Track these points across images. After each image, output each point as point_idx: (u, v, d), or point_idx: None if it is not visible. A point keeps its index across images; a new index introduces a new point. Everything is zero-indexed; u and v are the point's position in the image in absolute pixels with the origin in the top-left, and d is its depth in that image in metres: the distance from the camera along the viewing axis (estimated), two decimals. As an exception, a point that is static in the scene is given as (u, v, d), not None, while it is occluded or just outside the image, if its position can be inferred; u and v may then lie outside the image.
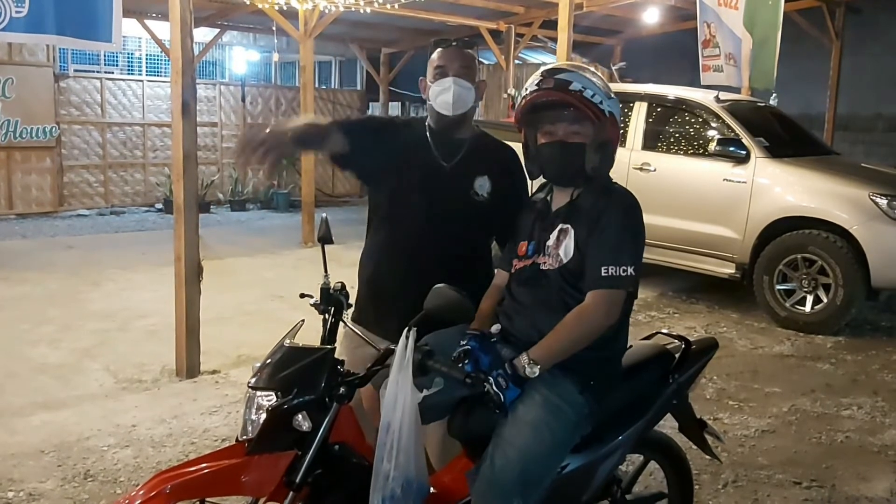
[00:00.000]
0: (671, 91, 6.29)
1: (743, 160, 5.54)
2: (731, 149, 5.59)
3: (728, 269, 5.66)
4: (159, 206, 10.36)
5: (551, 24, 8.04)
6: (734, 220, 5.56)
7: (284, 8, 7.43)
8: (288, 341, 1.85)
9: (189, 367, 4.06)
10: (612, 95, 1.93)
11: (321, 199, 8.44)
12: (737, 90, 7.07)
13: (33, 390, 3.87)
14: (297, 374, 1.75)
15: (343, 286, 2.02)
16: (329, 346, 1.84)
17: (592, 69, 2.00)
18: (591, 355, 1.87)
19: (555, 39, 6.17)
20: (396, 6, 7.63)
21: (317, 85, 13.03)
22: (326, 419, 1.75)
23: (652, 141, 6.10)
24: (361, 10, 7.67)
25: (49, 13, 3.58)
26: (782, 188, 5.45)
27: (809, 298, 5.30)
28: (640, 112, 6.16)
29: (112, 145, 10.30)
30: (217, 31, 10.49)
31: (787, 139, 6.12)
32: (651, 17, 9.26)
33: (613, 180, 2.00)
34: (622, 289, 1.85)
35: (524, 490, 1.80)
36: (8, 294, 5.70)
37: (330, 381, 1.76)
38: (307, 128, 2.15)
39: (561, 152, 1.92)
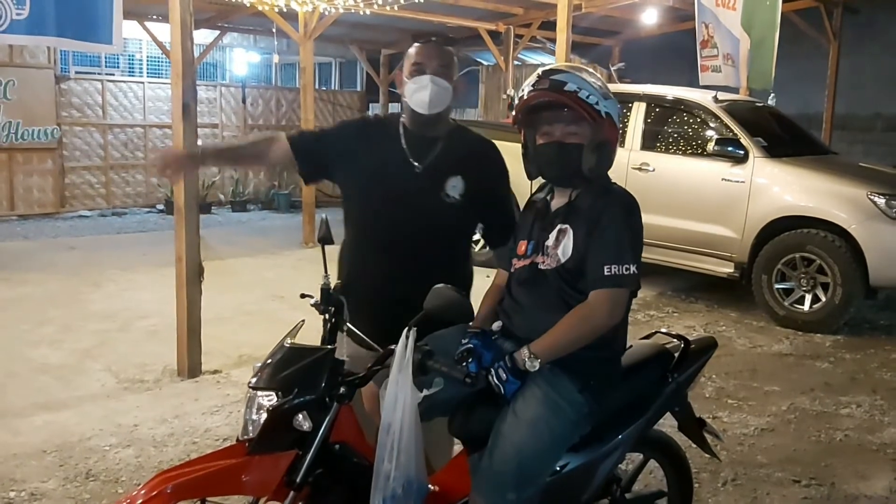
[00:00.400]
0: (670, 91, 6.30)
1: (741, 160, 5.55)
2: (730, 149, 5.59)
3: (727, 269, 5.67)
4: (161, 206, 10.36)
5: (550, 25, 8.04)
6: (733, 219, 5.57)
7: (284, 10, 7.44)
8: (288, 341, 1.86)
9: (190, 367, 4.07)
10: (610, 96, 1.93)
11: (322, 199, 8.44)
12: (735, 90, 7.09)
13: (35, 391, 3.88)
14: (298, 374, 1.76)
15: (343, 286, 2.03)
16: (329, 347, 1.84)
17: (590, 70, 2.00)
18: (590, 355, 1.88)
19: (553, 40, 6.17)
20: (396, 8, 7.64)
21: (317, 86, 13.05)
22: (327, 419, 1.75)
23: (651, 141, 6.11)
24: (361, 12, 7.68)
25: (50, 15, 3.59)
26: (781, 188, 5.46)
27: (808, 297, 5.31)
28: (638, 112, 6.17)
29: (113, 146, 10.30)
30: (217, 32, 10.50)
31: (786, 139, 6.14)
32: (649, 17, 9.26)
33: (612, 180, 2.01)
34: (625, 287, 1.86)
35: (519, 484, 1.82)
36: (9, 295, 5.70)
37: (330, 381, 1.77)
38: (241, 146, 2.32)
39: (558, 153, 1.92)
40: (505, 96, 9.22)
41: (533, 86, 1.91)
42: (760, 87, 7.10)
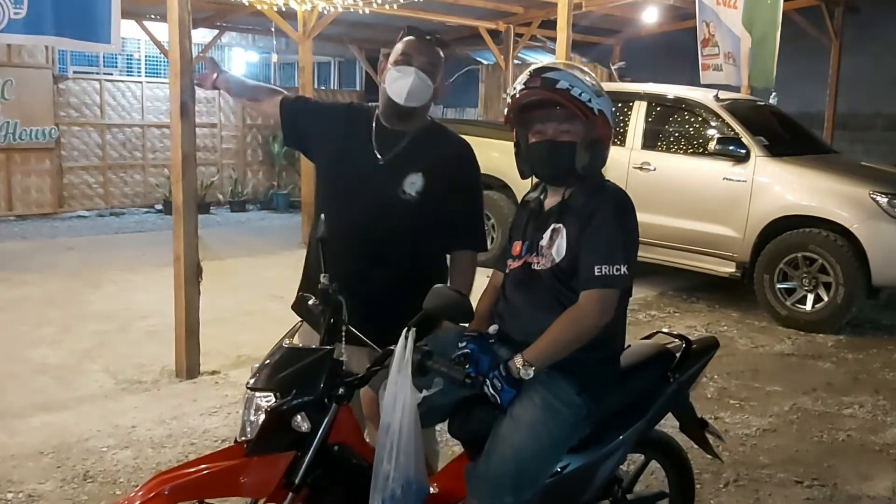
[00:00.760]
0: (671, 90, 6.29)
1: (743, 159, 5.54)
2: (731, 148, 5.58)
3: (728, 268, 5.65)
4: (159, 207, 10.35)
5: (550, 24, 8.03)
6: (734, 218, 5.55)
7: (283, 9, 7.42)
8: (287, 342, 1.85)
9: (189, 367, 4.05)
10: (603, 93, 1.92)
11: (321, 199, 8.41)
12: (736, 89, 7.06)
13: (33, 391, 3.87)
14: (296, 375, 1.75)
15: (342, 286, 2.01)
16: (328, 347, 1.83)
17: (582, 67, 1.98)
18: (587, 356, 1.86)
19: (554, 39, 6.15)
20: (395, 7, 7.62)
21: (316, 86, 13.01)
22: (326, 420, 1.74)
23: (651, 140, 6.10)
24: (360, 11, 7.65)
25: (48, 14, 3.57)
26: (782, 187, 5.44)
27: (810, 297, 5.30)
28: (639, 111, 6.16)
29: (111, 146, 10.28)
30: (216, 32, 10.47)
31: (787, 138, 6.12)
32: (650, 16, 9.25)
33: (606, 178, 1.99)
34: (616, 288, 1.84)
35: (517, 488, 1.81)
36: (8, 295, 5.69)
37: (329, 382, 1.75)
38: (249, 84, 2.51)
39: (550, 151, 1.91)
40: (505, 95, 9.19)
41: (525, 84, 1.89)
42: (762, 85, 7.09)
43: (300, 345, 1.95)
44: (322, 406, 1.74)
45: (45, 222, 9.26)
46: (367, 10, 7.65)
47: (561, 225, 1.90)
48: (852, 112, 9.79)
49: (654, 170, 5.93)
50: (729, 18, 6.60)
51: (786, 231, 5.36)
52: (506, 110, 1.98)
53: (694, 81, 6.88)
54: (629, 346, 2.13)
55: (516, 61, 10.22)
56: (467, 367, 1.75)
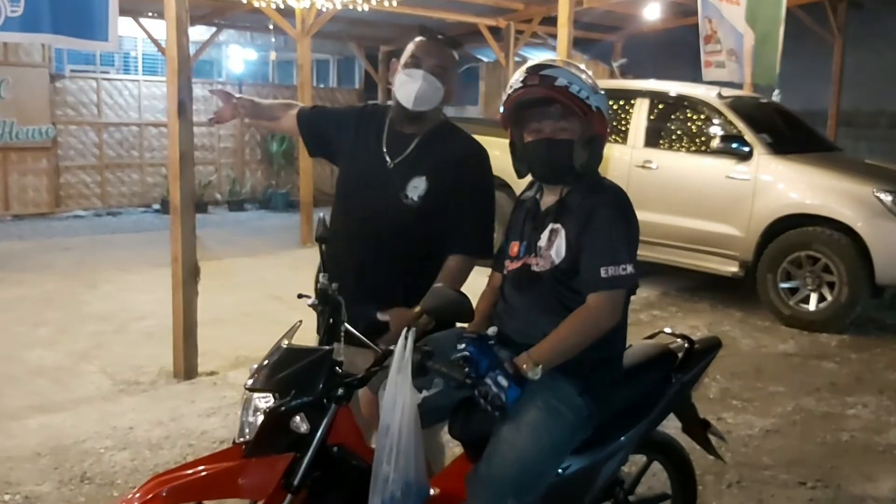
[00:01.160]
0: (673, 87, 6.25)
1: (746, 157, 5.50)
2: (734, 146, 5.55)
3: (731, 268, 5.62)
4: (156, 206, 10.33)
5: (551, 21, 8.00)
6: (737, 217, 5.52)
7: (281, 6, 7.39)
8: (286, 342, 1.83)
9: (187, 368, 4.03)
10: (599, 90, 1.90)
11: (320, 198, 8.38)
12: (739, 86, 7.04)
13: (30, 393, 3.85)
14: (295, 376, 1.73)
15: (341, 286, 1.98)
16: (327, 347, 1.81)
17: (577, 64, 1.97)
18: (589, 356, 1.84)
19: (555, 36, 6.12)
20: (394, 3, 7.59)
21: (314, 84, 12.97)
22: (325, 421, 1.73)
23: (654, 138, 6.07)
24: (359, 8, 7.62)
25: (45, 12, 3.54)
26: (786, 185, 5.41)
27: (814, 296, 5.27)
28: (641, 109, 6.13)
29: (109, 146, 10.26)
30: (214, 29, 10.46)
31: (791, 135, 6.09)
32: (652, 12, 9.23)
33: (603, 176, 1.97)
34: (623, 288, 1.82)
35: (519, 491, 1.79)
36: (4, 296, 5.66)
37: (328, 383, 1.74)
38: (264, 105, 2.47)
39: (548, 149, 1.88)
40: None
41: (523, 82, 1.87)
42: (765, 82, 7.06)
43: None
44: (321, 407, 1.73)
45: (42, 222, 9.24)
46: (366, 7, 7.62)
47: (559, 225, 1.88)
48: (856, 109, 9.77)
49: (657, 168, 5.90)
50: (732, 15, 6.57)
51: (789, 230, 5.33)
52: (501, 108, 1.95)
53: (696, 78, 6.86)
54: (631, 346, 2.12)
55: (517, 58, 10.19)
56: (466, 370, 1.73)
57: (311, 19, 7.84)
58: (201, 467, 1.71)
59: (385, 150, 2.19)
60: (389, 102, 2.30)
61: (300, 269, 6.65)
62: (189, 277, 3.99)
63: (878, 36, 9.64)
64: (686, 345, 2.23)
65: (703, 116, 5.92)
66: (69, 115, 9.85)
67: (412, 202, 2.13)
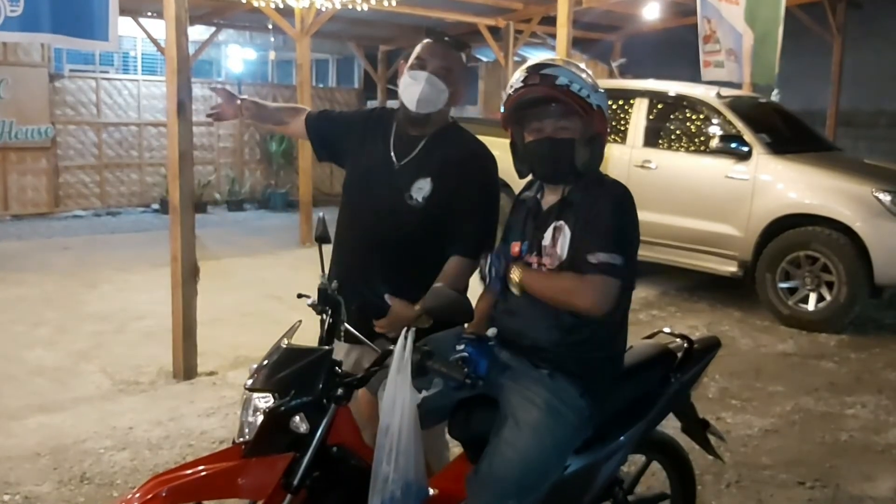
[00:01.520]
0: (672, 87, 6.25)
1: (745, 157, 5.51)
2: (733, 145, 5.55)
3: (730, 267, 5.62)
4: (156, 206, 10.32)
5: (550, 21, 7.99)
6: (736, 217, 5.52)
7: (281, 6, 7.38)
8: (285, 342, 1.83)
9: (186, 368, 4.03)
10: (599, 88, 1.90)
11: (319, 198, 8.39)
12: (738, 86, 7.04)
13: (29, 393, 3.84)
14: (295, 376, 1.73)
15: (340, 286, 1.98)
16: (327, 347, 1.82)
17: (577, 63, 1.97)
18: (590, 356, 1.84)
19: (554, 36, 6.11)
20: (394, 3, 7.59)
21: (314, 83, 12.97)
22: (324, 421, 1.72)
23: (653, 138, 6.07)
24: (358, 8, 7.62)
25: (44, 12, 3.54)
26: (785, 185, 5.42)
27: (813, 296, 5.26)
28: (640, 108, 6.13)
29: (108, 145, 10.25)
30: (213, 29, 10.44)
31: (790, 135, 6.09)
32: (651, 12, 9.22)
33: (604, 174, 1.97)
34: (612, 277, 1.78)
35: (521, 492, 1.78)
36: (3, 296, 5.66)
37: (328, 383, 1.73)
38: (270, 108, 2.48)
39: (550, 149, 1.88)
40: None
41: (523, 82, 1.87)
42: (764, 82, 7.06)
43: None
44: (321, 407, 1.73)
45: (41, 222, 9.23)
46: (365, 7, 7.62)
47: (563, 222, 1.87)
48: (855, 109, 9.76)
49: (656, 168, 5.90)
50: (731, 15, 6.57)
51: (788, 229, 5.33)
52: (502, 108, 1.95)
53: (695, 78, 6.84)
54: (630, 346, 2.12)
55: (516, 58, 10.18)
56: (465, 371, 1.72)
57: (311, 19, 7.83)
58: (201, 467, 1.71)
59: (392, 151, 2.19)
60: (390, 103, 2.31)
61: (299, 268, 6.65)
62: (188, 277, 3.99)
63: (877, 36, 9.64)
64: (685, 344, 2.23)
65: (702, 116, 5.92)
66: (68, 115, 9.84)
67: (417, 203, 2.13)
